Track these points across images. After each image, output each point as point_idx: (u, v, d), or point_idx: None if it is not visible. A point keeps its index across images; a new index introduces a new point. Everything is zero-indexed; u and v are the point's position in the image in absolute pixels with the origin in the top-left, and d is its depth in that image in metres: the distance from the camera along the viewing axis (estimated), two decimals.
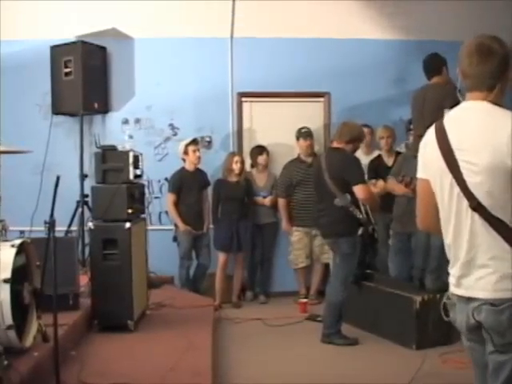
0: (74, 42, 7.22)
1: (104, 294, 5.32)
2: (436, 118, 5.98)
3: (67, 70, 7.17)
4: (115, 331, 5.27)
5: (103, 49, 7.58)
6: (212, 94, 7.82)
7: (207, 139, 7.86)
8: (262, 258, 7.86)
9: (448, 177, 2.53)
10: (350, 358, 5.52)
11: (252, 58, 7.87)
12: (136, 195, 5.71)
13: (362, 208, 5.85)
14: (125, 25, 7.51)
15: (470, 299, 2.54)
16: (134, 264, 5.40)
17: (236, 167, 7.40)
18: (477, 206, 2.45)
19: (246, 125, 8.07)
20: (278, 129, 8.00)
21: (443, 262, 5.94)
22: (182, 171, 7.39)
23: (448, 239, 2.62)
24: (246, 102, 8.02)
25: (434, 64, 5.98)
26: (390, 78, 7.99)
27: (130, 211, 5.47)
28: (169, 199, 7.39)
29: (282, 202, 7.70)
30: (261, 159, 7.78)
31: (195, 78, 7.82)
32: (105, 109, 7.65)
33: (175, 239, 7.40)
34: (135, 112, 7.79)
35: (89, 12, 7.16)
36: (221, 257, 7.43)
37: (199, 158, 7.36)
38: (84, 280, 5.65)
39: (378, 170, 7.13)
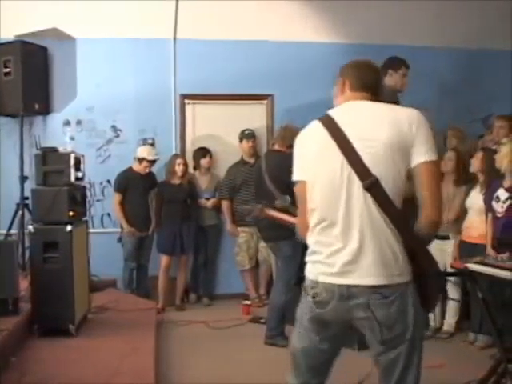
0: (13, 42, 7.08)
1: (45, 298, 5.25)
2: None
3: (7, 69, 7.02)
4: (56, 336, 5.20)
5: (44, 49, 7.44)
6: (155, 96, 7.77)
7: (150, 141, 7.80)
8: (206, 260, 7.84)
9: (338, 160, 2.58)
10: None
11: (195, 60, 7.85)
12: (77, 198, 5.65)
13: None
14: (66, 25, 7.38)
15: (353, 287, 2.54)
16: (75, 267, 5.34)
17: (179, 169, 7.37)
18: (370, 185, 2.50)
19: (188, 127, 8.04)
20: (221, 131, 8.01)
21: None
22: (130, 171, 7.38)
23: (337, 226, 2.58)
24: (188, 103, 7.99)
25: (383, 66, 6.00)
26: (333, 81, 8.04)
27: (71, 214, 5.41)
28: (115, 198, 7.34)
29: (225, 203, 7.71)
30: (204, 162, 7.76)
31: (138, 79, 7.76)
32: (46, 110, 7.50)
33: (120, 240, 7.36)
34: (77, 113, 7.68)
35: (29, 11, 7.03)
36: (163, 259, 7.39)
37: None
38: (24, 284, 5.55)
39: None
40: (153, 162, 7.40)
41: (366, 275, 2.52)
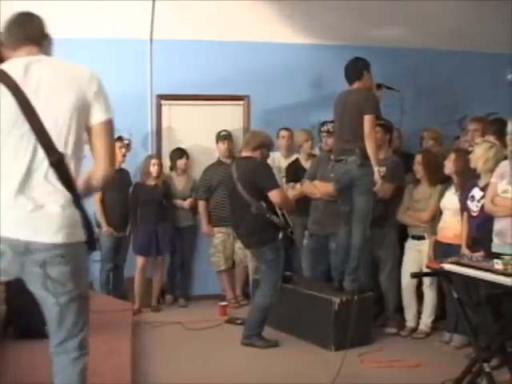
0: None
1: (20, 300, 5.15)
2: (356, 122, 6.10)
3: None
4: (32, 338, 5.13)
5: None
6: (131, 96, 7.69)
7: (126, 142, 7.73)
8: (182, 261, 7.82)
9: (23, 127, 2.61)
10: (270, 359, 5.57)
11: (171, 60, 7.82)
12: None
13: (279, 212, 5.90)
14: None
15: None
16: None
17: (153, 170, 7.35)
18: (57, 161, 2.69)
19: (165, 127, 8.02)
20: (198, 132, 7.99)
21: (361, 263, 6.09)
22: None
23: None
24: (165, 104, 7.98)
25: (355, 69, 5.94)
26: (309, 82, 8.09)
27: None
28: (94, 197, 7.24)
29: (201, 204, 7.70)
30: (180, 163, 7.74)
31: (114, 79, 7.52)
32: None
33: (97, 241, 7.29)
34: None
35: (5, 11, 6.92)
36: (139, 260, 7.36)
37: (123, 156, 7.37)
38: None
39: (297, 173, 7.21)
40: (126, 146, 7.36)
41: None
